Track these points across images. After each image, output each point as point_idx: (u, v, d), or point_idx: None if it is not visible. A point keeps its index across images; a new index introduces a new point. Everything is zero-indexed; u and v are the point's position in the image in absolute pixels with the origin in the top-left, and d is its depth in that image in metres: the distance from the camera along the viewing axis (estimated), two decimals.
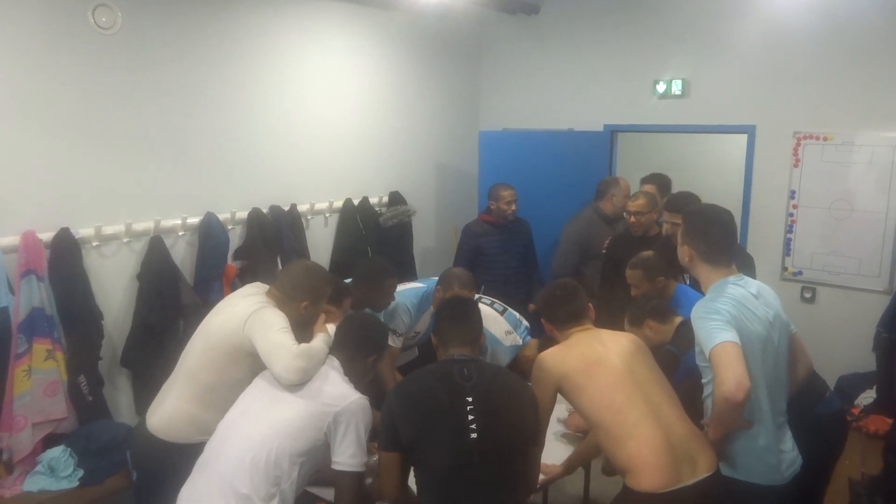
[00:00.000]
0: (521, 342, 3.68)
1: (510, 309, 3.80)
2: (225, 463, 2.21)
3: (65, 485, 3.20)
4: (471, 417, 2.14)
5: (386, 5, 4.98)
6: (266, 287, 2.77)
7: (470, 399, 2.17)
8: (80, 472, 3.25)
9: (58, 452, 3.25)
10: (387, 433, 2.21)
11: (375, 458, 2.48)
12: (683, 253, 2.49)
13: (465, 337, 2.36)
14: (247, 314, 2.54)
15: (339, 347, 2.50)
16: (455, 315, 2.43)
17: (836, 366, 4.50)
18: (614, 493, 2.44)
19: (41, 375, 3.21)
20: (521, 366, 3.57)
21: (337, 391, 2.32)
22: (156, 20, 3.67)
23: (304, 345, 2.43)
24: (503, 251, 4.71)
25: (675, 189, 4.81)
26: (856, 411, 4.25)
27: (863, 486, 3.23)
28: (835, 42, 4.54)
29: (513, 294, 4.39)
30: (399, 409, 2.20)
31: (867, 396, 4.35)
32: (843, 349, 4.61)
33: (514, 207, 4.67)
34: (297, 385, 2.33)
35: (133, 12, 3.55)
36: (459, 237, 4.89)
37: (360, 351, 2.48)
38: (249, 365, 2.51)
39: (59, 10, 3.29)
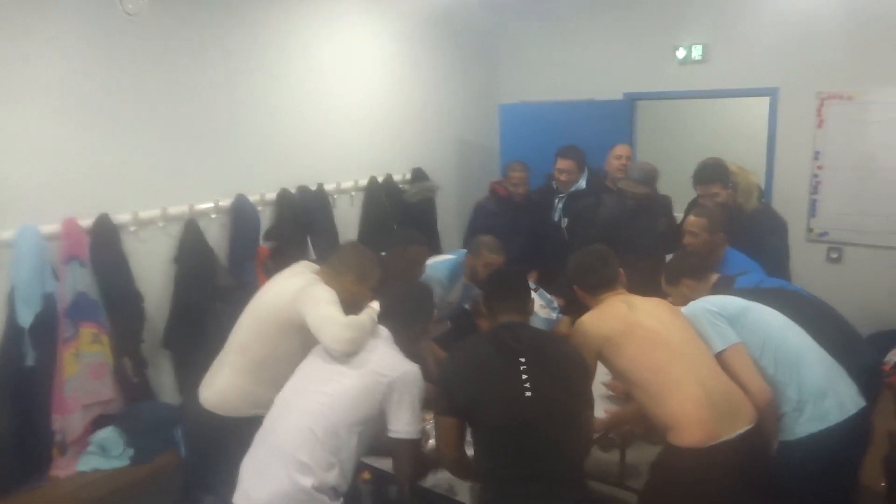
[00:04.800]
0: (554, 317, 3.77)
1: (541, 289, 3.88)
2: (285, 433, 2.27)
3: (116, 464, 3.28)
4: (525, 377, 2.19)
5: None
6: (315, 266, 2.84)
7: (523, 360, 2.21)
8: (131, 451, 3.33)
9: (108, 433, 3.33)
10: (442, 399, 2.26)
11: (428, 425, 2.55)
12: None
13: (514, 304, 2.41)
14: (297, 290, 2.61)
15: (386, 316, 2.53)
16: (504, 284, 2.49)
17: (864, 324, 4.45)
18: (650, 458, 2.47)
19: (89, 358, 3.28)
20: None
21: (388, 361, 2.37)
22: (182, 6, 3.70)
23: (351, 316, 2.49)
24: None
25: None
26: (886, 368, 4.26)
27: None
28: None
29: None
30: (454, 375, 2.26)
31: None
32: (872, 307, 4.61)
33: (520, 190, 4.53)
34: (348, 356, 2.38)
35: None
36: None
37: (408, 316, 2.52)
38: (299, 339, 2.57)
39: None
